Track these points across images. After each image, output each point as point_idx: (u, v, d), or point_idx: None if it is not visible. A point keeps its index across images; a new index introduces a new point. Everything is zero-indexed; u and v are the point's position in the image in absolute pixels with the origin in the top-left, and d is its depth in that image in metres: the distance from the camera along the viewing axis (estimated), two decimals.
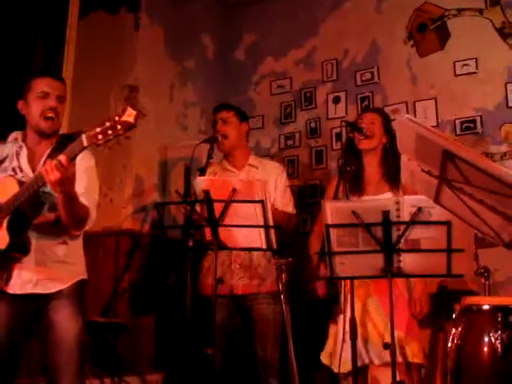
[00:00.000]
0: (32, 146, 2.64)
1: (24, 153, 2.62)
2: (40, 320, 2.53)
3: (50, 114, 2.56)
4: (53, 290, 2.53)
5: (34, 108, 2.57)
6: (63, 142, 2.59)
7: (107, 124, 2.10)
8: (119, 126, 2.09)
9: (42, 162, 2.57)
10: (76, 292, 2.58)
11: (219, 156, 3.80)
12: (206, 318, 3.16)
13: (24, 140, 2.66)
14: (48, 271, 2.52)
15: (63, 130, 2.91)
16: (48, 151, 2.60)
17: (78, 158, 2.30)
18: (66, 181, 2.24)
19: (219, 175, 3.55)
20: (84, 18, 4.48)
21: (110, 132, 2.09)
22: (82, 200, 2.47)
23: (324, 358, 3.12)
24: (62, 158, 2.18)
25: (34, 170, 2.57)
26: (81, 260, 2.69)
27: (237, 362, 3.61)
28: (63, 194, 2.32)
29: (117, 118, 2.10)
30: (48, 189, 2.37)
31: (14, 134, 2.72)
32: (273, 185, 3.52)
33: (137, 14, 4.51)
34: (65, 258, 2.58)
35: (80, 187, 2.47)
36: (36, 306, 2.52)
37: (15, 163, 2.61)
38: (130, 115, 2.09)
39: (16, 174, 2.57)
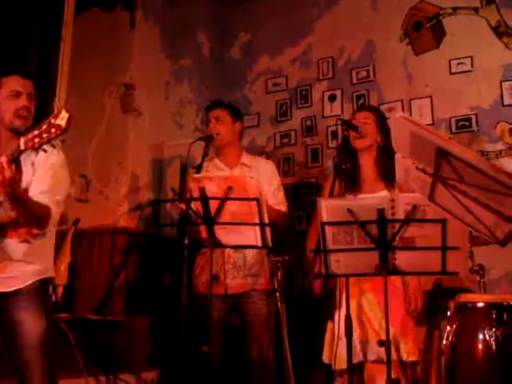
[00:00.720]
0: (3, 142, 2.60)
1: None
2: (2, 319, 2.51)
3: (24, 114, 2.55)
4: (11, 289, 2.49)
5: (6, 107, 2.56)
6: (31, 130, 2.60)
7: (44, 127, 2.09)
8: (53, 129, 2.07)
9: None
10: (37, 291, 2.55)
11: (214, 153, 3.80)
12: (200, 316, 3.17)
13: None
14: (7, 269, 2.49)
15: None
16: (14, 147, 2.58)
17: (45, 155, 2.30)
18: (8, 183, 2.19)
19: (211, 173, 3.54)
20: (79, 15, 4.47)
21: (45, 135, 2.08)
22: (42, 198, 2.44)
23: (325, 357, 3.12)
24: (2, 160, 2.16)
25: None
26: (45, 259, 2.64)
27: (233, 360, 3.61)
28: (8, 196, 2.28)
29: (52, 121, 2.08)
30: None
31: None
32: (266, 183, 3.51)
33: (132, 12, 4.50)
34: (25, 257, 2.53)
35: (42, 185, 2.45)
36: None
37: None
38: (62, 118, 2.07)
39: None
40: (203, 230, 2.86)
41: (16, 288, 2.51)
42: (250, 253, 3.41)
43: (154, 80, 4.55)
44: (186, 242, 2.97)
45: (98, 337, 3.65)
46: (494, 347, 2.35)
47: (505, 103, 3.98)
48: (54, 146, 2.19)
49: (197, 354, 2.88)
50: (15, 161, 2.20)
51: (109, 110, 4.37)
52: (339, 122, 3.26)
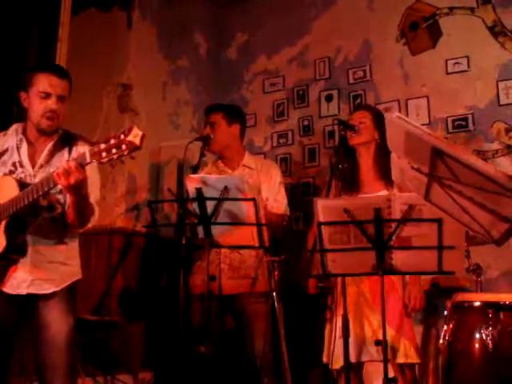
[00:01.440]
0: (32, 140, 2.61)
1: (25, 147, 2.59)
2: (31, 319, 2.52)
3: (51, 116, 2.53)
4: (48, 291, 2.51)
5: (35, 106, 2.54)
6: (65, 139, 2.60)
7: (112, 141, 2.05)
8: (124, 146, 2.03)
9: (42, 157, 2.56)
10: (69, 292, 2.57)
11: (212, 155, 3.80)
12: (192, 317, 3.19)
13: (24, 133, 2.62)
14: (44, 272, 2.50)
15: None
16: (49, 147, 2.58)
17: None
18: (80, 185, 2.24)
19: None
20: (76, 15, 4.47)
21: (114, 151, 2.04)
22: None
23: (325, 357, 3.12)
24: (72, 164, 2.16)
25: (33, 166, 2.55)
26: (78, 260, 2.68)
27: (229, 361, 3.62)
28: (76, 195, 2.32)
29: (122, 137, 2.03)
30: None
31: (14, 126, 2.69)
32: (268, 184, 3.51)
33: (129, 12, 4.51)
34: (63, 259, 2.56)
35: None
36: (28, 304, 2.51)
37: (16, 157, 2.58)
38: (136, 136, 2.02)
39: (16, 169, 2.55)
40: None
41: (53, 290, 2.52)
42: (247, 253, 3.41)
43: (151, 80, 4.56)
44: (183, 242, 2.97)
45: (96, 337, 3.66)
46: (490, 346, 2.36)
47: (501, 103, 3.98)
48: (122, 162, 2.18)
49: (192, 355, 2.88)
50: (82, 167, 2.19)
51: (106, 110, 4.37)
52: (336, 122, 3.26)
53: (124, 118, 4.34)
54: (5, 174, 2.54)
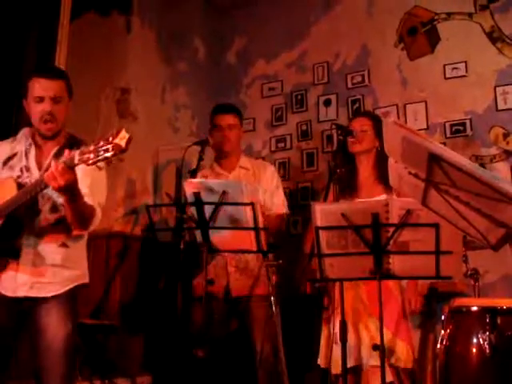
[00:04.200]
0: (40, 145, 2.63)
1: (33, 152, 2.61)
2: (30, 321, 2.51)
3: (48, 118, 2.53)
4: (48, 295, 2.50)
5: (33, 112, 2.56)
6: (70, 144, 2.59)
7: (101, 144, 2.07)
8: (111, 148, 2.05)
9: (48, 161, 2.56)
10: (70, 296, 2.56)
11: (210, 158, 3.80)
12: (195, 320, 3.18)
13: (33, 137, 2.64)
14: (45, 275, 2.50)
15: None
16: (54, 151, 2.59)
17: None
18: (70, 186, 2.24)
19: (210, 179, 3.53)
20: (76, 19, 4.47)
21: (101, 153, 2.07)
22: (87, 200, 2.46)
23: (320, 361, 3.12)
24: (61, 166, 2.18)
25: (40, 170, 2.56)
26: (81, 264, 2.65)
27: (229, 364, 3.61)
28: (68, 197, 2.33)
29: (110, 139, 2.06)
30: (50, 190, 2.36)
31: (24, 130, 2.70)
32: (264, 186, 3.51)
33: (128, 17, 4.52)
34: (63, 262, 2.54)
35: (84, 187, 2.45)
36: (27, 307, 2.50)
37: (24, 162, 2.59)
38: (122, 138, 2.05)
39: (22, 173, 2.56)
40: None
41: (54, 294, 2.51)
42: (251, 255, 3.40)
43: (150, 84, 4.57)
44: (182, 246, 2.98)
45: (94, 341, 3.65)
46: (487, 351, 2.36)
47: (499, 108, 3.99)
48: (108, 164, 2.18)
49: (191, 358, 2.88)
50: (72, 169, 2.20)
51: (105, 115, 4.38)
52: (334, 127, 3.27)
53: (123, 122, 4.34)
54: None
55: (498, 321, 2.39)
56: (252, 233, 2.70)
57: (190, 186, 2.77)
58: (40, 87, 2.54)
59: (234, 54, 5.14)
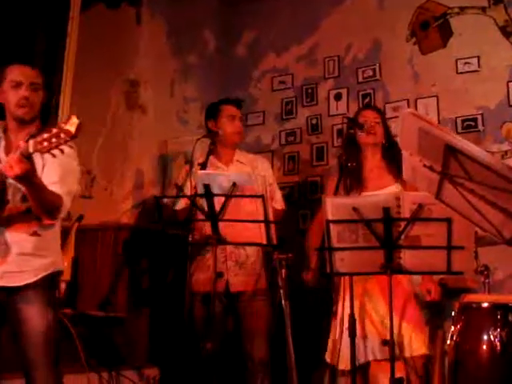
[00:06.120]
0: (13, 135, 2.63)
1: (2, 144, 2.62)
2: (9, 313, 2.50)
3: (25, 103, 2.56)
4: (20, 284, 2.48)
5: (10, 97, 2.58)
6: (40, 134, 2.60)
7: (54, 131, 2.11)
8: (62, 135, 2.09)
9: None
10: (46, 285, 2.53)
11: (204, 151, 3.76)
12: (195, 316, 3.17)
13: (5, 129, 2.65)
14: (16, 264, 2.48)
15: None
16: (23, 141, 2.59)
17: None
18: (28, 175, 2.25)
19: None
20: (85, 11, 4.46)
21: (54, 140, 2.10)
22: (54, 188, 2.45)
23: (327, 357, 3.11)
24: (15, 155, 2.20)
25: None
26: (54, 252, 2.64)
27: (233, 358, 3.61)
28: (27, 185, 2.33)
29: (62, 126, 2.10)
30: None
31: None
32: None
33: (138, 9, 4.50)
34: (35, 250, 2.52)
35: (53, 176, 2.46)
36: (3, 298, 2.49)
37: None
38: (72, 124, 2.09)
39: None
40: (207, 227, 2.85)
41: (26, 282, 2.49)
42: (251, 250, 3.40)
43: (160, 77, 4.55)
44: (190, 239, 2.97)
45: (101, 333, 3.65)
46: (498, 348, 2.34)
47: (511, 103, 3.96)
48: (62, 152, 2.18)
49: (197, 351, 2.87)
50: (28, 158, 2.21)
51: (114, 107, 4.37)
52: (345, 120, 3.27)
53: (132, 114, 4.33)
54: None
55: (509, 317, 2.37)
56: (262, 226, 2.68)
57: (199, 178, 2.77)
58: (20, 72, 2.59)
59: (244, 46, 5.12)
